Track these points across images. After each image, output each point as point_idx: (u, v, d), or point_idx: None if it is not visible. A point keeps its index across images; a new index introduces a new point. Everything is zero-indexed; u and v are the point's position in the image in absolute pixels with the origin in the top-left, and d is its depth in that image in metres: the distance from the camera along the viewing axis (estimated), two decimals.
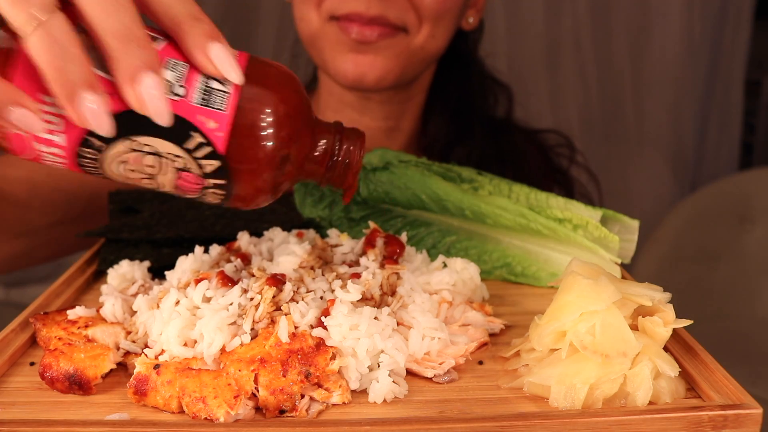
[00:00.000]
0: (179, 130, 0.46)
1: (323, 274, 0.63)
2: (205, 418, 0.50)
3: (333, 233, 0.75)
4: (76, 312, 0.63)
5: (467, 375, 0.58)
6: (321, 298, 0.60)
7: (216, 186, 0.50)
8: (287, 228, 0.77)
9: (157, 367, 0.53)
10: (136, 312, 0.62)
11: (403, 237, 0.71)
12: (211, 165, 0.48)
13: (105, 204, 0.86)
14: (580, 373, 0.52)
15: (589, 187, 1.28)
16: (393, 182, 0.80)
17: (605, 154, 2.29)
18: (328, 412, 0.52)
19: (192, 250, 0.69)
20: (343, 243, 0.71)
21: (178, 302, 0.59)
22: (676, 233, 2.04)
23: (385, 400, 0.53)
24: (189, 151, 0.47)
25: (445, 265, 0.69)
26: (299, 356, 0.53)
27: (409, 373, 0.57)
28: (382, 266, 0.65)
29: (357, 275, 0.62)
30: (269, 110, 0.49)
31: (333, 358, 0.54)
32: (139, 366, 0.54)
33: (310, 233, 0.77)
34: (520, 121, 1.27)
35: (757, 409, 0.49)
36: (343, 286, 0.59)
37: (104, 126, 0.45)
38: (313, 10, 1.00)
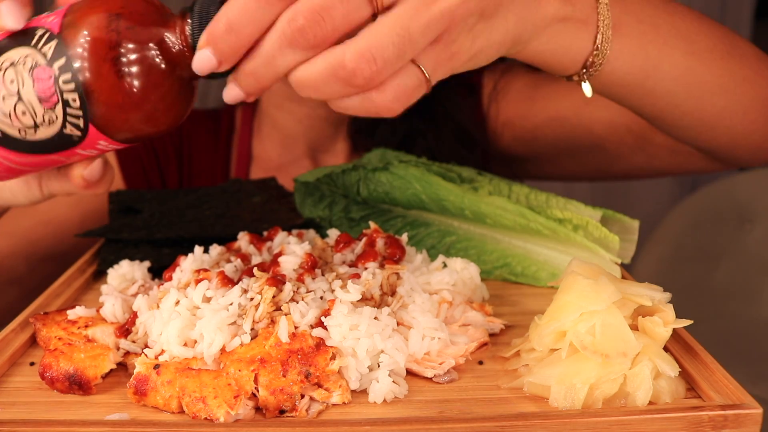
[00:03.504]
0: (28, 34, 0.54)
1: (323, 274, 0.63)
2: (205, 418, 0.50)
3: (333, 233, 0.75)
4: (76, 312, 0.63)
5: (467, 375, 0.57)
6: (321, 298, 0.60)
7: (62, 72, 0.53)
8: (287, 228, 0.77)
9: (157, 367, 0.53)
10: (136, 312, 0.62)
11: (404, 238, 0.71)
12: (50, 47, 0.53)
13: (74, 238, 0.86)
14: (580, 373, 0.52)
15: None
16: (393, 182, 0.80)
17: None
18: (328, 412, 0.52)
19: (192, 250, 0.69)
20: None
21: (178, 302, 0.59)
22: (676, 233, 2.03)
23: (385, 400, 0.53)
24: (34, 46, 0.53)
25: (445, 265, 0.69)
26: (299, 356, 0.53)
27: (409, 373, 0.57)
28: (382, 266, 0.65)
29: (357, 275, 0.62)
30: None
31: (333, 358, 0.54)
32: (139, 366, 0.54)
33: (310, 233, 0.77)
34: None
35: (757, 409, 0.49)
36: (343, 286, 0.59)
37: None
38: None
